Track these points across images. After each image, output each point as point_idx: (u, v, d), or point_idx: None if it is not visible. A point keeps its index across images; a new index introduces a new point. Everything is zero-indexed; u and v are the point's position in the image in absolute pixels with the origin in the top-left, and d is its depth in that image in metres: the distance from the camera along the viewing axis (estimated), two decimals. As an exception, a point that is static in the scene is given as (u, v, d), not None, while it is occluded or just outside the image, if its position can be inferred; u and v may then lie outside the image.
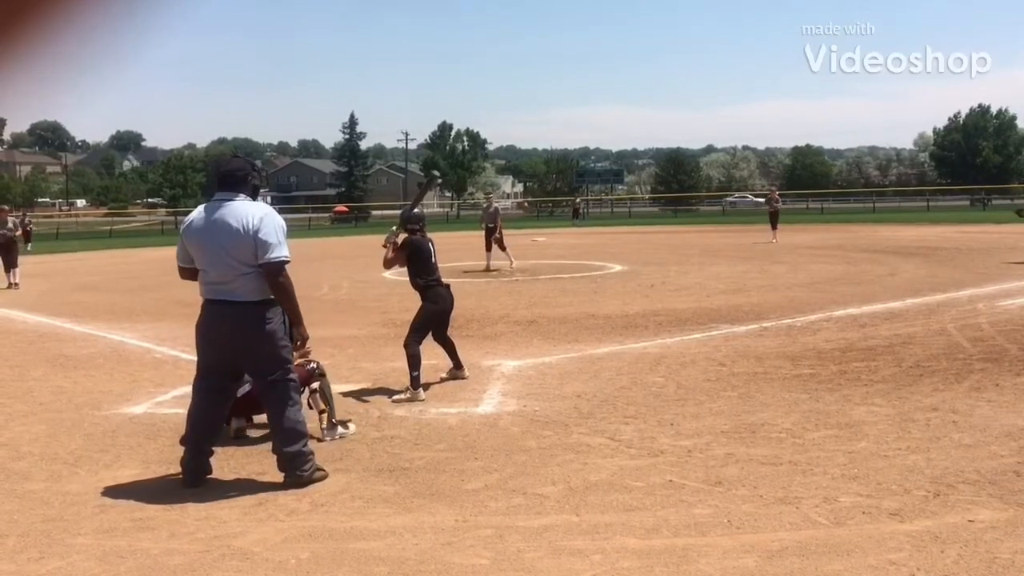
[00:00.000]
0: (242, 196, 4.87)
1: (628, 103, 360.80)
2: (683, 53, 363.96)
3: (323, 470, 4.93)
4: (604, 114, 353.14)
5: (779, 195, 30.21)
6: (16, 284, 17.60)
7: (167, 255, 19.39)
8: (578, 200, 59.11)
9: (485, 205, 20.60)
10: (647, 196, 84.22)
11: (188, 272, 5.04)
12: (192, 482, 4.87)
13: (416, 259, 7.38)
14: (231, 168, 4.98)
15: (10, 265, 18.00)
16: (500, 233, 19.34)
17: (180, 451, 5.55)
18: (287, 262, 4.84)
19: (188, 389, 7.43)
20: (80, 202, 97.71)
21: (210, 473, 4.99)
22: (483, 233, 19.80)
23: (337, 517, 4.31)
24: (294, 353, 5.10)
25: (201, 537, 4.07)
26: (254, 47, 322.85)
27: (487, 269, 18.93)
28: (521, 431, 5.87)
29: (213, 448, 5.09)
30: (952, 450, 5.12)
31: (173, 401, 7.09)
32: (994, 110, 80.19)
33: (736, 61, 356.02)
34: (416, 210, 7.77)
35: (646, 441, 5.52)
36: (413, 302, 13.63)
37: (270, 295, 4.83)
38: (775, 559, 3.63)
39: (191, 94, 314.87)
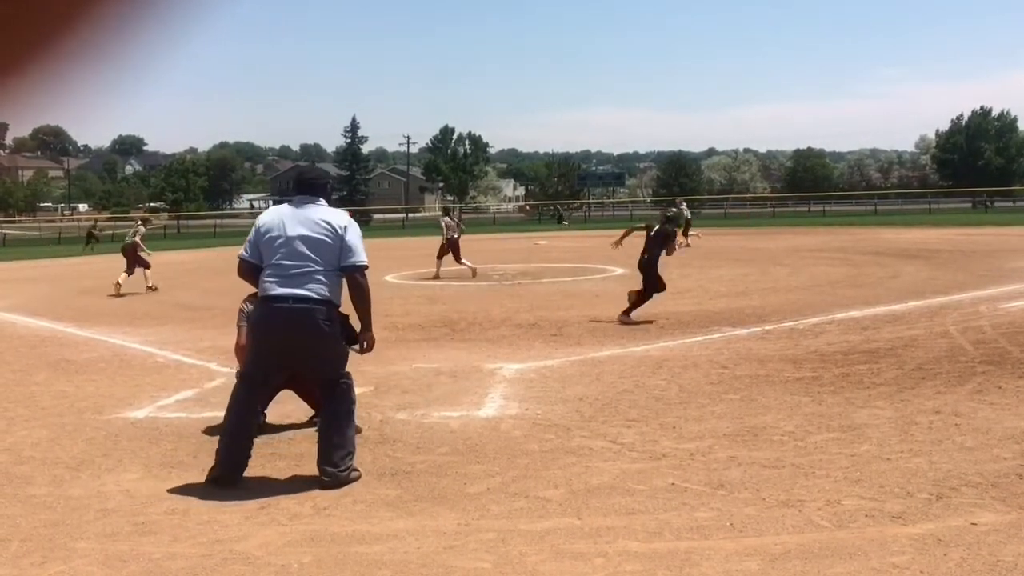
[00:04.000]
0: (323, 201, 5.11)
1: (629, 106, 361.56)
2: (684, 56, 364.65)
3: (358, 471, 4.99)
4: (605, 117, 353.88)
5: (685, 202, 30.42)
6: (153, 287, 17.56)
7: (169, 259, 19.47)
8: (560, 204, 60.29)
9: (447, 219, 19.77)
10: (649, 199, 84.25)
11: (250, 268, 5.04)
12: (229, 481, 4.86)
13: None
14: (314, 176, 5.31)
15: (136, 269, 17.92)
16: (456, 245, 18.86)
17: (182, 455, 5.58)
18: (368, 267, 5.08)
19: (190, 393, 7.48)
20: (82, 206, 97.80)
21: (245, 469, 4.96)
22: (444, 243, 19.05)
23: (339, 521, 4.31)
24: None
25: (203, 541, 4.07)
26: (256, 51, 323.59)
27: (436, 277, 18.47)
28: (523, 434, 5.87)
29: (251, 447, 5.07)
30: (955, 453, 5.11)
31: (175, 405, 7.09)
32: (995, 112, 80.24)
33: (737, 64, 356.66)
34: None
35: (648, 444, 5.52)
36: (414, 307, 13.64)
37: (338, 298, 4.99)
38: (778, 562, 3.62)
39: (193, 98, 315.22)
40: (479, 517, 4.29)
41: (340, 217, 5.06)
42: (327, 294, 4.89)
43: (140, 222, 19.51)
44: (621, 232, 12.35)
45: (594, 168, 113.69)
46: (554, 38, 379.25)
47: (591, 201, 76.23)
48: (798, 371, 7.71)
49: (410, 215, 68.94)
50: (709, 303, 12.92)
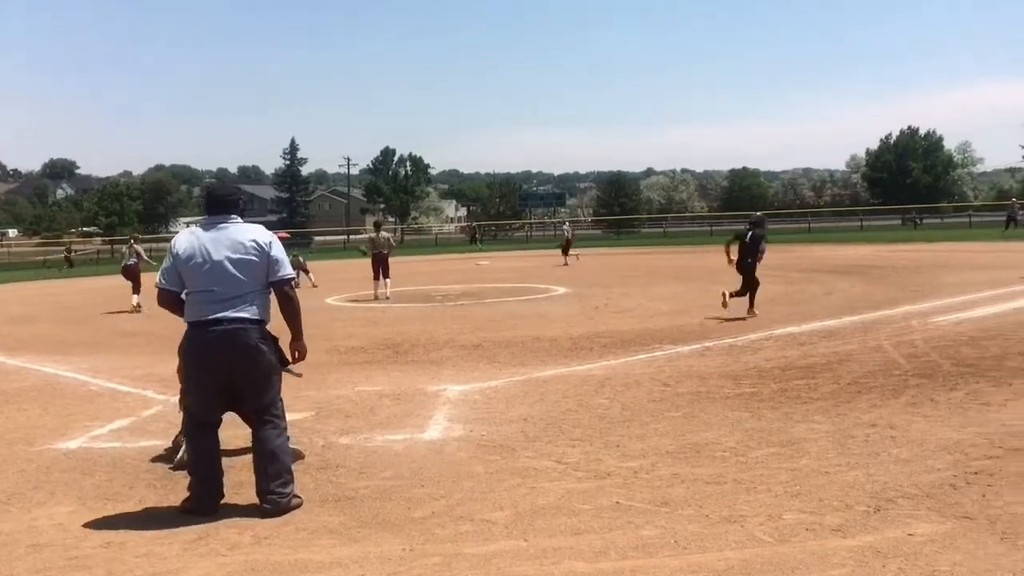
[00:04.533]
0: (237, 217, 5.03)
1: (569, 127, 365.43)
2: (623, 78, 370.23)
3: (299, 497, 4.92)
4: (546, 138, 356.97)
5: (569, 224, 33.10)
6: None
7: (103, 284, 19.03)
8: (474, 225, 61.72)
9: (374, 235, 19.87)
10: (589, 219, 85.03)
11: (172, 297, 4.95)
12: (207, 511, 4.78)
13: None
14: (225, 192, 5.18)
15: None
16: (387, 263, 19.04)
17: (117, 486, 5.43)
18: (293, 278, 5.11)
19: (125, 422, 7.29)
20: (12, 232, 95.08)
21: (223, 497, 4.92)
22: (371, 261, 19.31)
23: (280, 550, 4.23)
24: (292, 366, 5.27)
25: (140, 575, 3.96)
26: (191, 72, 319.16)
27: (376, 298, 18.50)
28: (468, 456, 5.84)
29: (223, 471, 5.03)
30: (891, 465, 5.22)
31: (109, 435, 6.90)
32: (923, 131, 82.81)
33: (674, 85, 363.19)
34: None
35: (593, 463, 5.54)
36: (356, 329, 13.51)
37: (269, 317, 4.98)
38: (722, 578, 3.65)
39: (127, 120, 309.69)
40: (424, 542, 4.25)
41: (262, 233, 5.01)
42: (260, 315, 4.89)
43: (133, 241, 19.57)
44: (724, 250, 14.05)
45: (535, 188, 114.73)
46: (494, 59, 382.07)
47: (532, 221, 76.67)
48: (738, 387, 7.82)
49: (351, 237, 68.43)
50: (650, 321, 13.05)
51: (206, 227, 4.95)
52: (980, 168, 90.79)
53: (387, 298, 18.25)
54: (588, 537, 4.20)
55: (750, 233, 13.49)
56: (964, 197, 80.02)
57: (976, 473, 4.96)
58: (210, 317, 4.77)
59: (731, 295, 13.05)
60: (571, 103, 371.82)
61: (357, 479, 5.41)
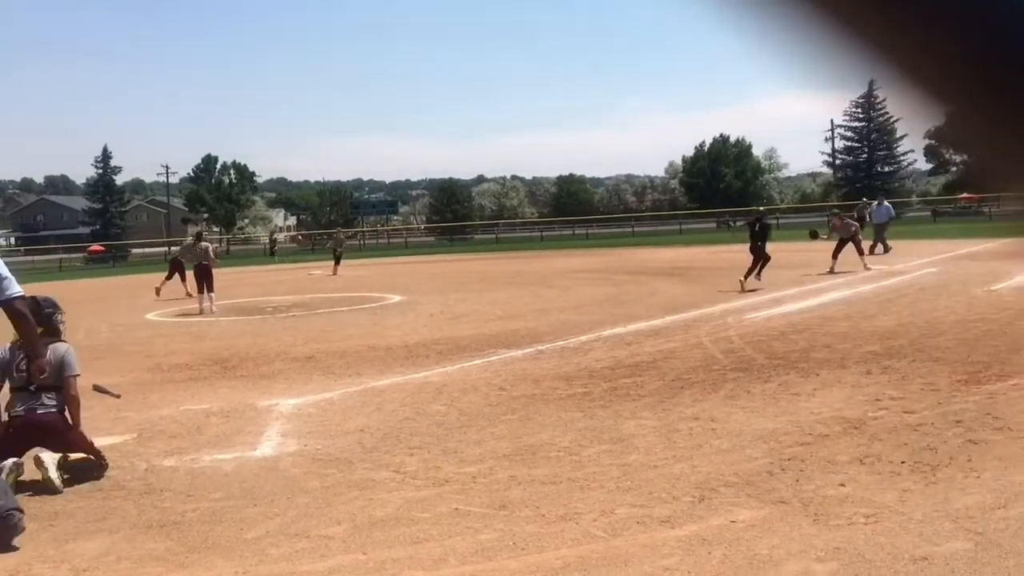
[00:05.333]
0: None
1: (400, 134, 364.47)
2: (450, 86, 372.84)
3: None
4: (376, 145, 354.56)
5: (344, 235, 35.51)
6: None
7: None
8: (274, 236, 61.50)
9: (191, 243, 19.04)
10: (422, 226, 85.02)
11: None
12: (4, 542, 4.45)
13: None
14: None
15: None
16: (211, 274, 18.19)
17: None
18: (23, 295, 4.85)
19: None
20: None
21: (22, 531, 4.56)
22: (193, 273, 18.49)
23: (102, 582, 3.98)
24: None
25: (-61, 622, 3.63)
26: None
27: (201, 312, 17.64)
28: (303, 472, 5.70)
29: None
30: (713, 456, 5.50)
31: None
32: (733, 139, 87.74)
33: (502, 94, 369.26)
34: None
35: (431, 471, 5.53)
36: (180, 345, 12.92)
37: None
38: (559, 576, 3.73)
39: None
40: (258, 563, 4.11)
41: None
42: None
43: None
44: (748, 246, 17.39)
45: (367, 196, 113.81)
46: (320, 65, 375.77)
47: (365, 229, 75.93)
48: (570, 388, 8.01)
49: (172, 248, 65.42)
50: (485, 326, 13.17)
51: None
52: (785, 173, 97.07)
53: (213, 312, 17.53)
54: (427, 545, 4.20)
55: (758, 224, 17.62)
56: (772, 200, 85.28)
57: (789, 460, 5.30)
58: None
59: (755, 276, 16.46)
60: (400, 112, 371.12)
61: (184, 502, 5.17)
